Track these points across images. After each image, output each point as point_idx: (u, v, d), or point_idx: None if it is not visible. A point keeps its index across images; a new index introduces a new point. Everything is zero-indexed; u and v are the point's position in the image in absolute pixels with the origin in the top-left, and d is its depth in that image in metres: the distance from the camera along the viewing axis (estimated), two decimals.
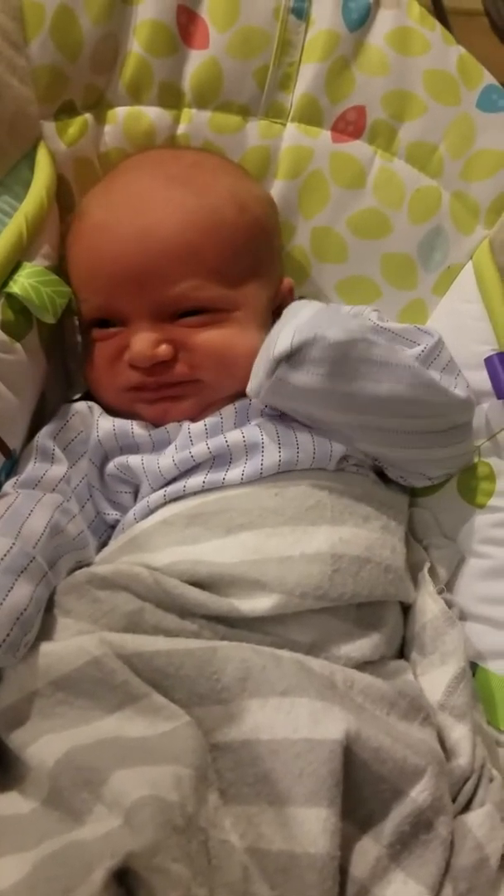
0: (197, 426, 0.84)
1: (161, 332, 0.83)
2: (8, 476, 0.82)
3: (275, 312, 0.88)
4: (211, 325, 0.85)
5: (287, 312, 0.81)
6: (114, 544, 0.83)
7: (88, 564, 0.80)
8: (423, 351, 0.81)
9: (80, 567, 0.78)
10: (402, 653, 0.84)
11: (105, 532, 0.87)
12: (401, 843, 0.65)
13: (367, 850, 0.64)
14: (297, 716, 0.66)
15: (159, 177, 0.88)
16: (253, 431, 0.82)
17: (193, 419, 0.86)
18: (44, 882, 0.54)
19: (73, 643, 0.69)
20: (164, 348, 0.83)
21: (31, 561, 0.71)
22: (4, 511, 0.75)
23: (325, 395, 0.77)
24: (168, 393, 0.86)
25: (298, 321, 0.79)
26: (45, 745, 0.65)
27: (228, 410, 0.85)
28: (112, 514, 0.87)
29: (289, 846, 0.61)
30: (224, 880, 0.57)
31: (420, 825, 0.65)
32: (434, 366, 0.82)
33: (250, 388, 0.79)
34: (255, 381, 0.78)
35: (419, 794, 0.66)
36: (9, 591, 0.68)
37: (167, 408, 0.86)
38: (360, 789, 0.65)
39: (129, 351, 0.84)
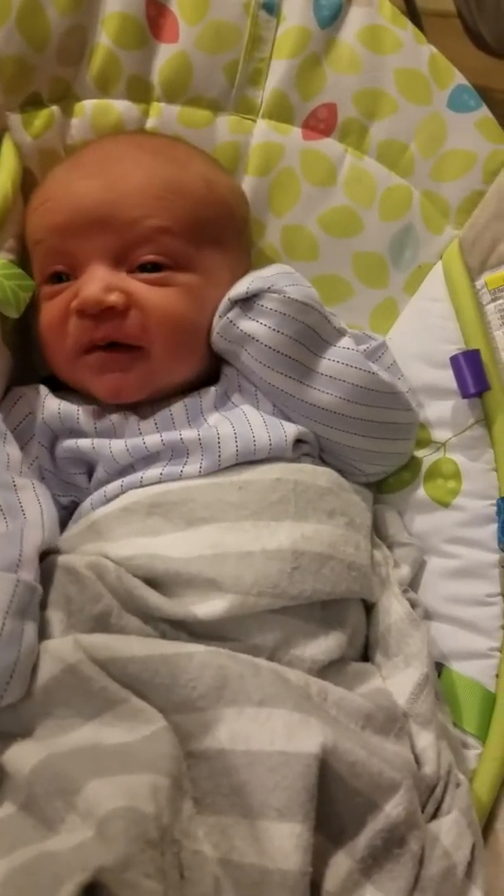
0: (146, 422, 0.83)
1: (114, 278, 0.80)
2: None
3: None
4: (167, 285, 0.82)
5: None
6: (73, 529, 0.80)
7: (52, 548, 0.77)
8: (366, 348, 0.85)
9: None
10: (365, 654, 0.82)
11: (60, 514, 0.83)
12: (372, 858, 0.64)
13: (339, 864, 0.63)
14: (272, 727, 0.65)
15: (132, 143, 0.88)
16: (206, 429, 0.81)
17: (140, 411, 0.84)
18: (14, 892, 0.53)
19: (48, 651, 0.68)
20: (116, 294, 0.79)
21: (34, 593, 0.70)
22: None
23: (267, 353, 0.80)
24: (116, 358, 0.81)
25: (262, 272, 0.83)
26: (21, 751, 0.64)
27: (178, 408, 0.83)
28: (66, 497, 0.85)
29: (261, 861, 0.60)
30: (195, 893, 0.56)
31: (392, 840, 0.64)
32: (379, 362, 0.85)
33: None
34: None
35: (393, 808, 0.65)
36: (22, 634, 0.67)
37: (116, 381, 0.82)
38: (334, 803, 0.64)
39: (77, 297, 0.80)
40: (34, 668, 0.67)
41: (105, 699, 0.66)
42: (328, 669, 0.75)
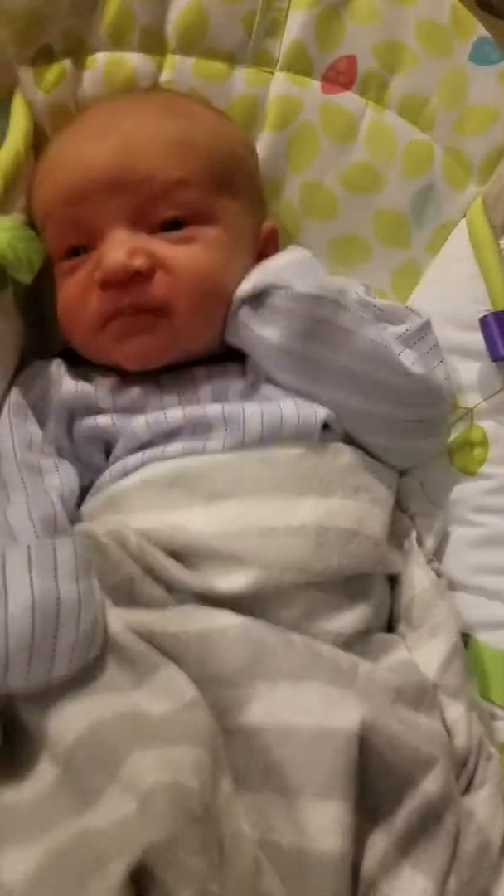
0: (169, 396, 0.80)
1: (137, 241, 0.77)
2: None
3: (257, 260, 0.84)
4: (191, 243, 0.79)
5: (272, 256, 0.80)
6: (91, 503, 0.78)
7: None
8: (406, 330, 0.80)
9: None
10: (389, 625, 0.81)
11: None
12: (410, 836, 0.63)
13: (376, 844, 0.62)
14: (309, 702, 0.64)
15: (136, 101, 0.85)
16: (232, 406, 0.78)
17: (162, 385, 0.81)
18: (55, 875, 0.52)
19: None
20: (140, 257, 0.75)
21: (89, 548, 0.69)
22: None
23: (278, 354, 0.76)
24: (140, 321, 0.78)
25: (272, 265, 0.79)
26: (63, 715, 0.62)
27: (204, 387, 0.81)
28: (85, 479, 0.81)
29: (300, 841, 0.59)
30: (235, 873, 0.55)
31: (429, 817, 0.63)
32: (416, 347, 0.81)
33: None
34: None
35: (430, 784, 0.64)
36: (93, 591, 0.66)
37: (140, 345, 0.79)
38: (370, 779, 0.63)
39: (99, 267, 0.76)
40: None
41: (145, 664, 0.65)
42: (353, 640, 0.74)
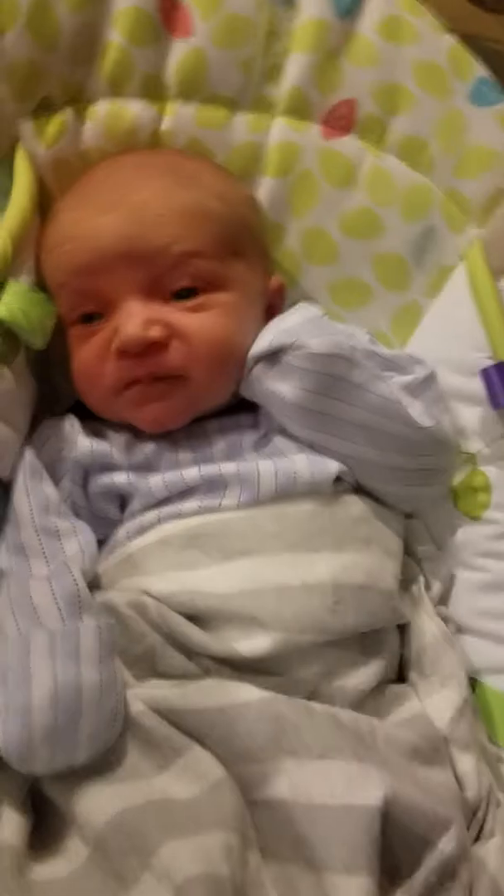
0: (183, 454, 0.81)
1: (152, 312, 0.77)
2: (4, 508, 0.77)
3: (266, 314, 0.85)
4: (206, 310, 0.79)
5: (284, 314, 0.81)
6: (108, 561, 0.79)
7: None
8: (413, 380, 0.81)
9: None
10: (400, 671, 0.83)
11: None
12: (426, 894, 0.64)
13: None
14: (333, 780, 0.65)
15: (141, 167, 0.83)
16: (246, 464, 0.78)
17: (175, 441, 0.82)
18: None
19: None
20: (156, 328, 0.76)
21: (113, 630, 0.70)
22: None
23: (292, 410, 0.78)
24: (157, 389, 0.79)
25: (285, 323, 0.79)
26: (94, 800, 0.64)
27: (218, 444, 0.81)
28: (99, 532, 0.82)
29: None
30: None
31: (446, 875, 0.65)
32: (423, 397, 0.81)
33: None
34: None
35: (447, 844, 0.65)
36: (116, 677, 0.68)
37: (158, 411, 0.80)
38: (391, 844, 0.64)
39: (116, 337, 0.77)
40: None
41: (170, 748, 0.66)
42: (368, 695, 0.75)
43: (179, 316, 0.78)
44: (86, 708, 0.64)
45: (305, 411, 0.77)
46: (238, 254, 0.83)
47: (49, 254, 0.82)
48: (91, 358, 0.80)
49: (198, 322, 0.79)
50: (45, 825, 0.66)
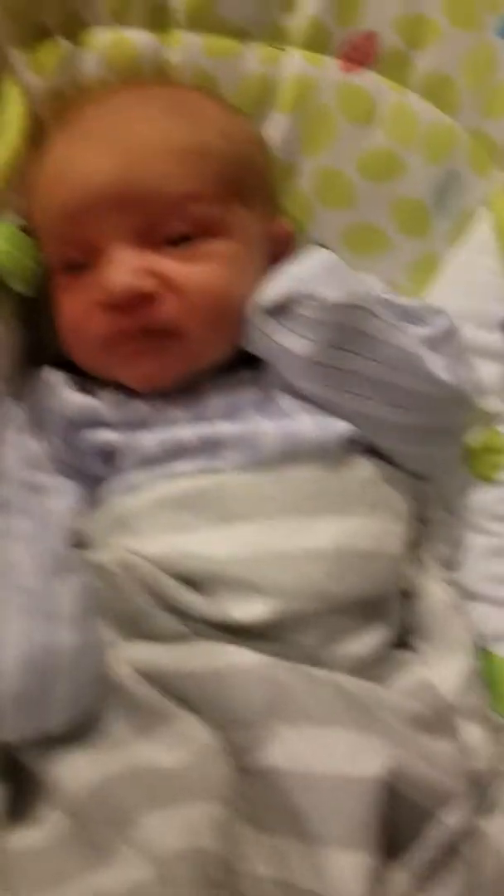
0: (179, 412, 0.77)
1: (143, 260, 0.72)
2: None
3: (271, 262, 0.79)
4: (202, 259, 0.74)
5: (294, 259, 0.75)
6: (96, 518, 0.76)
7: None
8: (433, 333, 0.76)
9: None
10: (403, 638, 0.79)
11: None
12: (427, 870, 0.62)
13: (395, 878, 0.61)
14: (334, 750, 0.62)
15: (138, 99, 0.78)
16: (245, 424, 0.75)
17: (171, 399, 0.78)
18: None
19: None
20: (148, 280, 0.71)
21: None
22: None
23: (304, 366, 0.72)
24: (150, 345, 0.74)
25: (296, 271, 0.73)
26: (73, 766, 0.62)
27: (215, 402, 0.77)
28: (87, 489, 0.79)
29: (320, 888, 0.58)
30: None
31: (447, 849, 0.62)
32: (442, 351, 0.76)
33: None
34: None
35: (449, 817, 0.63)
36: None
37: (150, 370, 0.76)
38: (393, 817, 0.62)
39: (103, 288, 0.72)
40: None
41: (154, 714, 0.64)
42: (371, 662, 0.72)
43: (173, 265, 0.73)
44: (60, 672, 0.61)
45: (318, 367, 0.72)
46: (241, 196, 0.78)
47: (35, 195, 0.77)
48: (77, 311, 0.76)
49: (193, 272, 0.74)
50: (23, 793, 0.64)
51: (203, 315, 0.74)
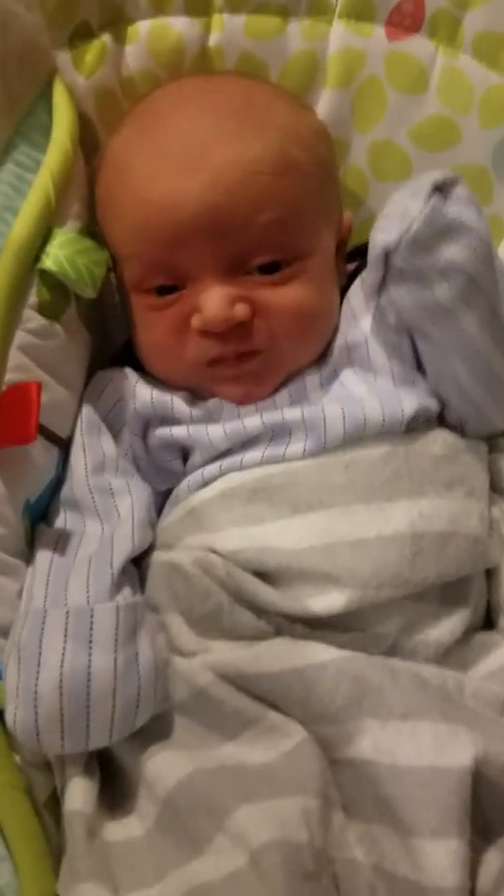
0: (246, 407, 0.77)
1: (235, 289, 0.73)
2: (64, 465, 0.76)
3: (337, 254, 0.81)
4: (290, 282, 0.75)
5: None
6: (172, 515, 0.77)
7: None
8: None
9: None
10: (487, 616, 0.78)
11: (157, 502, 0.81)
12: None
13: (490, 862, 0.61)
14: (419, 741, 0.63)
15: (209, 114, 0.76)
16: (311, 408, 0.74)
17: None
18: None
19: (177, 674, 0.68)
20: (241, 307, 0.73)
21: (136, 609, 0.68)
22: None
23: (483, 246, 0.70)
24: (248, 368, 0.76)
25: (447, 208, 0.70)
26: (165, 761, 0.64)
27: (282, 392, 0.78)
28: (163, 484, 0.81)
29: (416, 876, 0.59)
30: None
31: None
32: None
33: (387, 241, 0.69)
34: (396, 227, 0.68)
35: None
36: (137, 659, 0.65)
37: (248, 389, 0.77)
38: (482, 803, 0.62)
39: (198, 315, 0.73)
40: None
41: (242, 719, 0.66)
42: (453, 647, 0.72)
43: (262, 292, 0.74)
44: (96, 695, 0.62)
45: (487, 245, 0.70)
46: (322, 211, 0.78)
47: (118, 218, 0.77)
48: (167, 332, 0.76)
49: (281, 297, 0.75)
50: (114, 785, 0.66)
51: (296, 335, 0.76)
